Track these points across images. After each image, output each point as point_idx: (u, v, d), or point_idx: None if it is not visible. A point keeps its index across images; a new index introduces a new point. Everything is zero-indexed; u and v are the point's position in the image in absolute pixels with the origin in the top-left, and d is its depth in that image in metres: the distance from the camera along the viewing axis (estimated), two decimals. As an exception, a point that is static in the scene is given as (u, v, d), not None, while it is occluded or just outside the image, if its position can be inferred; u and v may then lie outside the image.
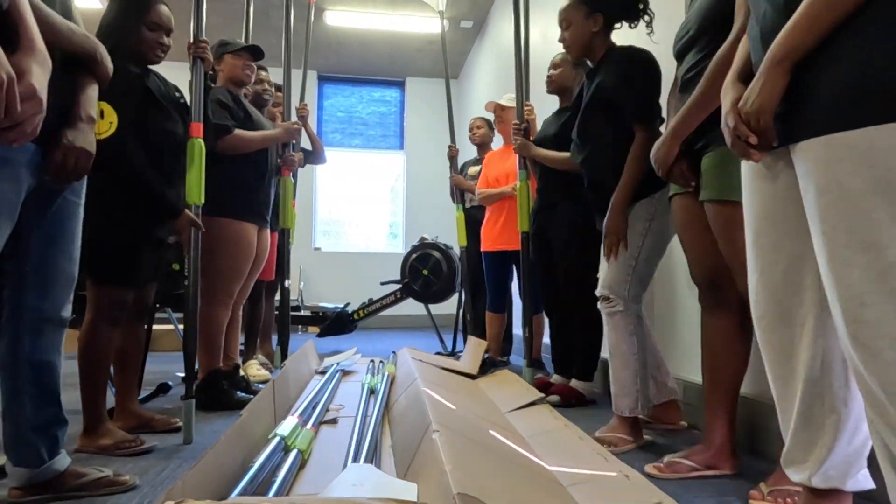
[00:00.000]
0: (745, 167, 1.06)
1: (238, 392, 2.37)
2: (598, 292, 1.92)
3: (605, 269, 1.91)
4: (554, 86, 2.64)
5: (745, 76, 1.02)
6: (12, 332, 1.26)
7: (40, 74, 0.94)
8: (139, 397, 2.37)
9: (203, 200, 1.95)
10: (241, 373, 2.58)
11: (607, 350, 1.92)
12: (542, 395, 2.27)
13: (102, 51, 1.29)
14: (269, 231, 2.66)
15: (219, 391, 2.31)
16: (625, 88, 1.88)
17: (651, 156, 1.55)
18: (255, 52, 2.49)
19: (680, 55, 1.56)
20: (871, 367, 0.80)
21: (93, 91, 1.29)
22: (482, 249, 3.25)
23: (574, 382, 2.48)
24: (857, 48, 0.80)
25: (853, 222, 0.80)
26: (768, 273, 1.01)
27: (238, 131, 2.34)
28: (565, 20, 2.06)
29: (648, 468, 1.54)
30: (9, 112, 0.84)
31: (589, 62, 2.10)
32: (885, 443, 0.82)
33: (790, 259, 0.98)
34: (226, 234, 2.32)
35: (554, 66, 2.61)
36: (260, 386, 2.62)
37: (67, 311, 1.33)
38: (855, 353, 0.81)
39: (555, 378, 2.61)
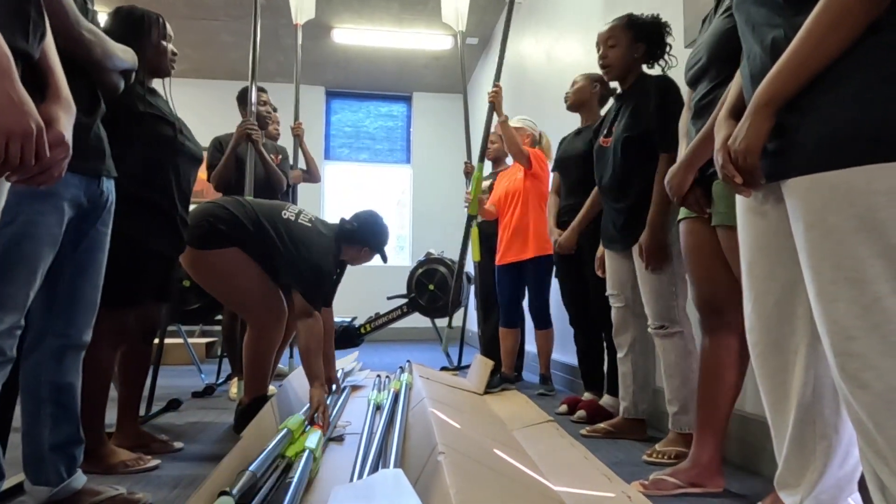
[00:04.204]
0: (739, 199, 1.09)
1: None
2: (651, 326, 1.97)
3: (650, 303, 1.97)
4: (572, 102, 2.70)
5: (738, 112, 1.06)
6: (36, 356, 1.31)
7: (66, 121, 1.01)
8: (150, 413, 2.42)
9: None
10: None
11: (662, 371, 1.95)
12: (550, 417, 2.31)
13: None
14: None
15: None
16: (662, 117, 1.94)
17: (666, 182, 1.58)
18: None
19: (692, 82, 1.58)
20: (859, 398, 0.83)
21: None
22: (496, 264, 3.29)
23: (605, 399, 2.50)
24: (835, 95, 0.84)
25: (838, 258, 0.83)
26: (761, 302, 1.04)
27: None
28: (612, 37, 2.08)
29: (634, 485, 1.55)
30: (38, 159, 0.89)
31: (619, 87, 2.17)
32: (875, 471, 0.84)
33: (782, 289, 1.01)
34: (225, 264, 2.19)
35: (573, 83, 2.68)
36: None
37: (88, 336, 1.39)
38: (844, 385, 0.85)
39: (585, 396, 2.64)
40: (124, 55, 1.44)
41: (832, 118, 0.84)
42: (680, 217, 1.67)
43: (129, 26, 1.78)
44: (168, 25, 1.92)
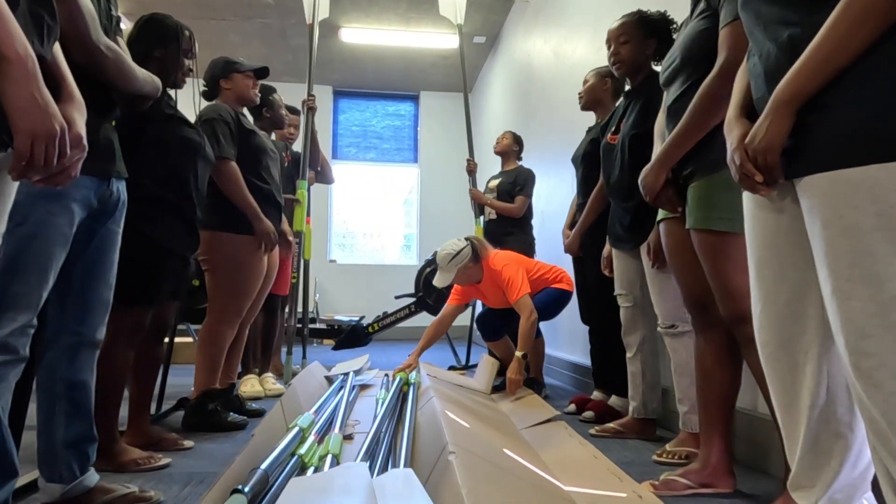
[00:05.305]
0: (748, 198, 1.08)
1: (231, 413, 2.32)
2: (661, 325, 1.96)
3: (659, 303, 1.96)
4: (585, 102, 2.66)
5: (748, 111, 1.06)
6: (51, 354, 1.33)
7: (81, 122, 1.03)
8: (160, 411, 2.44)
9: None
10: (241, 391, 2.58)
11: (672, 370, 1.94)
12: (558, 412, 2.30)
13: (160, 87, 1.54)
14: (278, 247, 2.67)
15: (209, 412, 2.24)
16: None
17: (639, 181, 1.60)
18: (262, 73, 2.50)
19: (667, 84, 1.61)
20: (873, 396, 0.82)
21: None
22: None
23: (613, 399, 2.49)
24: (857, 92, 0.83)
25: (856, 256, 0.83)
26: (771, 303, 1.04)
27: (235, 167, 2.27)
28: (624, 34, 2.07)
29: (644, 485, 1.54)
30: (60, 160, 0.91)
31: (628, 84, 2.17)
32: (888, 469, 0.84)
33: (793, 289, 1.01)
34: (232, 250, 2.28)
35: (584, 81, 2.66)
36: (253, 405, 2.58)
37: (102, 334, 1.40)
38: (857, 383, 0.84)
39: (595, 395, 2.63)
40: (144, 80, 1.44)
41: (854, 115, 0.83)
42: (659, 218, 1.68)
43: (157, 33, 1.79)
44: (195, 43, 1.90)
